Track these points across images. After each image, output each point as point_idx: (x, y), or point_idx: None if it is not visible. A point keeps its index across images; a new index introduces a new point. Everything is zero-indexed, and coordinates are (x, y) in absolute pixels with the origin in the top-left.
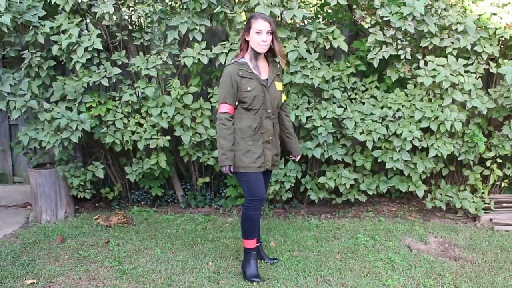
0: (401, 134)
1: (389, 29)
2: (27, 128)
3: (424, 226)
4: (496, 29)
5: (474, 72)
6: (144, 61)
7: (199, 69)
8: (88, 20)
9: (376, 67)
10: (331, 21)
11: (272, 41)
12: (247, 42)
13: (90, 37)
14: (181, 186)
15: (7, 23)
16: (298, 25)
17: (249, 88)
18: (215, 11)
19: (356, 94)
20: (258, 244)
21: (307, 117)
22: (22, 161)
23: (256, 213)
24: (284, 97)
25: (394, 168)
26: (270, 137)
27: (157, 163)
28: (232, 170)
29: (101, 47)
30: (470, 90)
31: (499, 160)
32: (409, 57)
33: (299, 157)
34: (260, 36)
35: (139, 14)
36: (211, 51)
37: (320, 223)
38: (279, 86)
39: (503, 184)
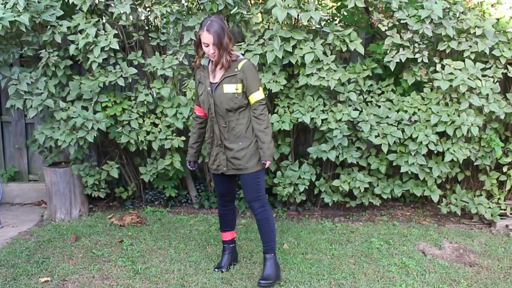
0: (416, 138)
1: (406, 32)
2: (43, 126)
3: (439, 231)
4: None
5: (492, 76)
6: (160, 61)
7: None
8: (104, 20)
9: (392, 70)
10: (348, 24)
11: (219, 51)
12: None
13: (106, 37)
14: (195, 187)
15: (26, 23)
16: (314, 27)
17: (200, 92)
18: (231, 12)
19: (372, 97)
20: (229, 239)
21: (322, 120)
22: (37, 160)
23: (220, 208)
24: (255, 98)
25: (409, 172)
26: (220, 141)
27: (172, 164)
28: (192, 165)
29: (117, 47)
30: (487, 95)
31: None
32: (426, 60)
33: (267, 163)
34: (207, 48)
35: (156, 15)
36: None
37: (334, 226)
38: (228, 88)
39: None
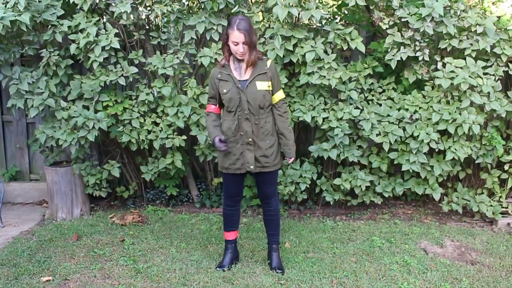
0: (418, 136)
1: (407, 30)
2: (44, 126)
3: (440, 229)
4: None
5: (493, 74)
6: (161, 60)
7: None
8: (105, 19)
9: (393, 68)
10: (349, 22)
11: (249, 49)
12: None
13: (107, 36)
14: (196, 186)
15: (26, 22)
16: (315, 26)
17: (224, 91)
18: (232, 11)
19: (373, 95)
20: (233, 238)
21: (324, 118)
22: (38, 159)
23: (227, 209)
24: (279, 96)
25: (411, 171)
26: (250, 139)
27: (173, 163)
28: (225, 143)
29: (118, 46)
30: (488, 93)
31: None
32: (427, 58)
33: (291, 160)
34: (236, 47)
35: (157, 14)
36: None
37: (335, 225)
38: (261, 85)
39: None
